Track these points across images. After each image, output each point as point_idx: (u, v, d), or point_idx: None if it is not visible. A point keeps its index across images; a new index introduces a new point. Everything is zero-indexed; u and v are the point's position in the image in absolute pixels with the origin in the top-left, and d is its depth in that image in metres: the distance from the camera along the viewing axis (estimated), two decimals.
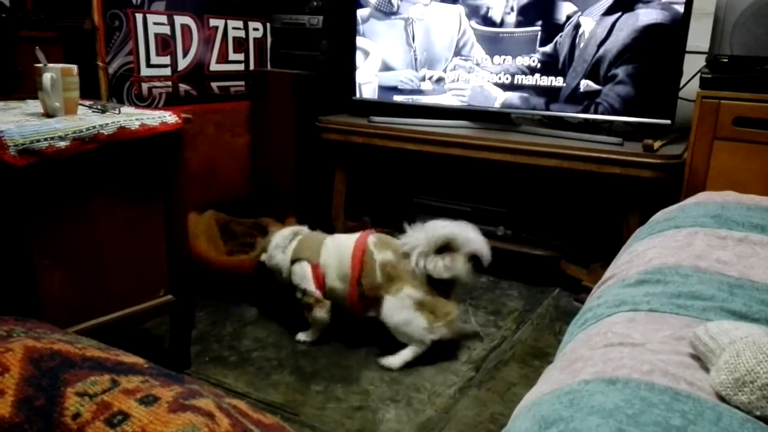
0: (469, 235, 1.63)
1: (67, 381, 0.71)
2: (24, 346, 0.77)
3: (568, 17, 2.06)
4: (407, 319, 1.63)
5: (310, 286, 1.73)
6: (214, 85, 2.39)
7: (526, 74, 2.18)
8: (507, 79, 2.22)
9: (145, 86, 2.13)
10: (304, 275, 1.74)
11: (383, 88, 2.46)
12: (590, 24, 2.03)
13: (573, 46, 2.07)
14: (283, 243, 1.80)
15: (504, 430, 0.72)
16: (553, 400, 0.69)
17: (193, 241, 1.85)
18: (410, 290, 1.62)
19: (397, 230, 1.76)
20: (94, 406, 0.68)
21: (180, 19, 2.21)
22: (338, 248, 1.73)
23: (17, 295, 1.26)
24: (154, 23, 2.12)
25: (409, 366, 1.66)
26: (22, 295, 1.25)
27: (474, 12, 2.23)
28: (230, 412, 0.70)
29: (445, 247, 1.63)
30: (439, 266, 1.60)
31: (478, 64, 2.26)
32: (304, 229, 1.87)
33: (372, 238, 1.72)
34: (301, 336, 1.79)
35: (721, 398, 0.66)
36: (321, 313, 1.74)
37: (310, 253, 1.75)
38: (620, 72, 2.01)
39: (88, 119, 1.31)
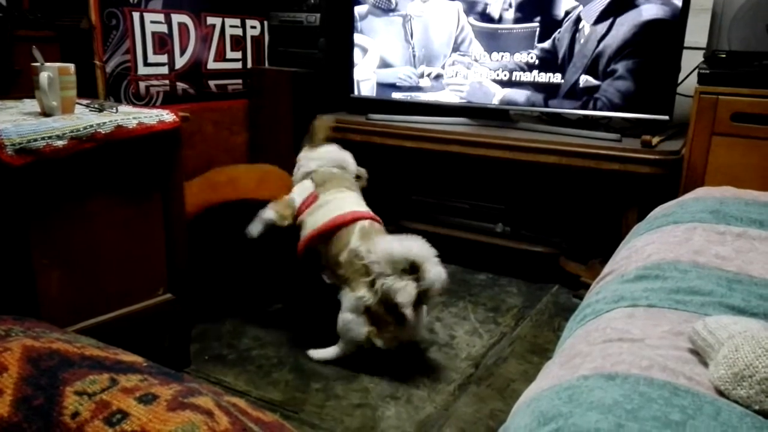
0: (431, 263, 1.51)
1: (65, 380, 0.71)
2: (22, 345, 0.77)
3: (567, 13, 2.06)
4: (350, 319, 1.59)
5: (297, 196, 1.76)
6: (211, 83, 2.39)
7: (524, 71, 2.18)
8: (505, 75, 2.21)
9: (142, 85, 2.13)
10: (299, 189, 1.78)
11: (381, 86, 2.46)
12: (590, 19, 2.02)
13: (572, 42, 2.07)
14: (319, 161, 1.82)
15: (503, 426, 0.72)
16: (552, 396, 0.69)
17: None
18: (365, 293, 1.55)
19: (396, 228, 1.75)
20: (93, 405, 0.68)
21: (177, 18, 2.20)
22: (334, 204, 1.71)
23: (16, 294, 1.26)
24: (151, 22, 2.11)
25: (408, 364, 1.67)
26: (21, 295, 1.25)
27: (472, 8, 2.23)
28: (229, 410, 0.70)
29: (409, 269, 1.51)
30: (395, 289, 1.49)
31: (476, 61, 2.25)
32: (348, 174, 1.85)
33: (364, 224, 1.66)
34: (251, 229, 1.77)
35: (720, 393, 0.66)
36: (269, 212, 1.74)
37: (319, 184, 1.76)
38: (618, 68, 2.01)
39: (85, 118, 1.31)
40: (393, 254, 1.50)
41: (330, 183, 1.76)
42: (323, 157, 1.83)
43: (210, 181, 2.00)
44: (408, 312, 1.48)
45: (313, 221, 1.70)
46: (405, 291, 1.48)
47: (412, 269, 1.50)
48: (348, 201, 1.73)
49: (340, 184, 1.77)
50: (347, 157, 1.87)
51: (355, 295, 1.57)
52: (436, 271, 1.51)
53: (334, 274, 1.67)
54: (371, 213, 1.74)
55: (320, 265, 1.73)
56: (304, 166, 1.85)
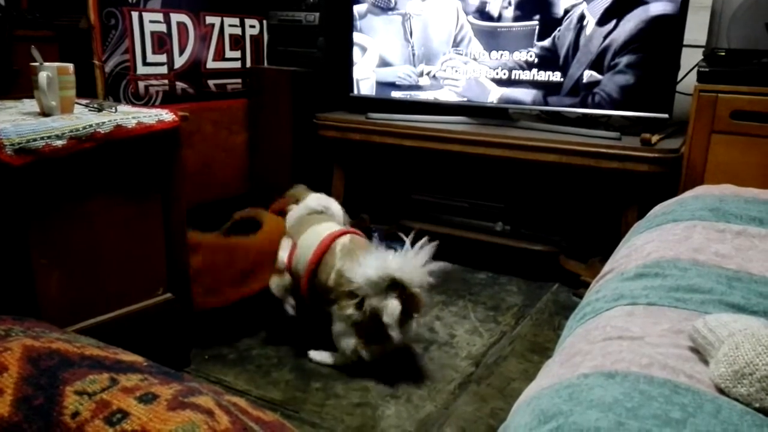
0: (411, 273, 1.50)
1: (65, 380, 0.71)
2: (22, 345, 0.77)
3: (566, 11, 2.06)
4: (342, 331, 1.60)
5: (283, 254, 1.77)
6: (210, 82, 2.38)
7: (523, 69, 2.17)
8: (504, 74, 2.21)
9: (141, 84, 2.12)
10: (283, 246, 1.80)
11: (381, 84, 2.45)
12: (594, 16, 2.02)
13: (576, 40, 2.06)
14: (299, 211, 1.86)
15: (504, 424, 0.72)
16: (552, 395, 0.69)
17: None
18: (353, 311, 1.55)
19: (396, 227, 1.74)
20: (93, 404, 0.68)
21: (176, 17, 2.20)
22: (314, 236, 1.71)
23: (15, 294, 1.26)
24: (150, 21, 2.11)
25: (408, 363, 1.67)
26: (21, 295, 1.25)
27: (471, 6, 2.22)
28: (230, 409, 0.70)
29: (392, 285, 1.50)
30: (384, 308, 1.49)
31: (475, 59, 2.25)
32: (321, 206, 1.87)
33: (344, 240, 1.66)
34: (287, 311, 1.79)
35: (721, 391, 0.66)
36: (275, 281, 1.77)
37: (295, 233, 1.78)
38: (619, 65, 2.00)
39: (84, 118, 1.31)
40: (372, 278, 1.49)
41: (302, 226, 1.77)
42: (303, 206, 1.86)
43: (237, 265, 1.86)
44: (394, 334, 1.48)
45: (303, 262, 1.69)
46: (389, 310, 1.47)
47: (396, 285, 1.49)
48: (322, 229, 1.72)
49: (312, 221, 1.78)
50: (330, 204, 1.88)
51: (343, 313, 1.57)
52: (418, 281, 1.50)
53: (327, 300, 1.64)
54: (349, 228, 1.75)
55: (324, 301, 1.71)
56: (287, 222, 1.88)
